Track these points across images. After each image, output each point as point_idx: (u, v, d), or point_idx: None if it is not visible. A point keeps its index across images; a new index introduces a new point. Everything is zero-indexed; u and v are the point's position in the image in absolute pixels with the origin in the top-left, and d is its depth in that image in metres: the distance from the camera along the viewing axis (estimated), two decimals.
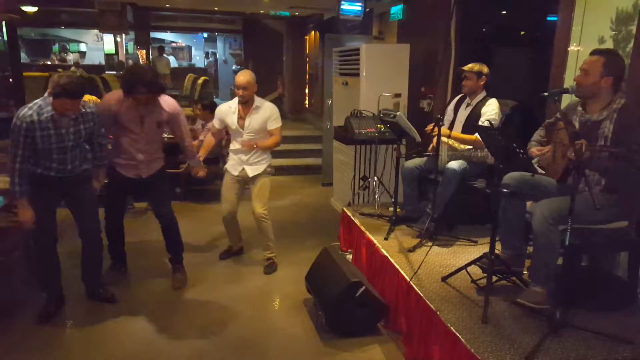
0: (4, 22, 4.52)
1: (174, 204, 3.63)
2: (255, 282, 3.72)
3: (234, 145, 3.76)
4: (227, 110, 3.72)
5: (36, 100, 2.76)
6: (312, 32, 9.95)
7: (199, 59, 17.61)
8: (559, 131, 2.40)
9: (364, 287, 2.86)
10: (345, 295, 2.85)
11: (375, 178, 4.29)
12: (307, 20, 10.04)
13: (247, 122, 3.66)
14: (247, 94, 3.59)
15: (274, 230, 3.94)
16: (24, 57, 11.64)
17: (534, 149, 2.59)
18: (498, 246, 2.74)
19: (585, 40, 3.09)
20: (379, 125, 4.18)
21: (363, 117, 4.39)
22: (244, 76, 3.60)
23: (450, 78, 4.87)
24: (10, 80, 5.10)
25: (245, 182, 3.85)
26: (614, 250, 2.67)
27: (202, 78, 9.56)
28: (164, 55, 12.70)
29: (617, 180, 2.33)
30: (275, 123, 3.73)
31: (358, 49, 4.92)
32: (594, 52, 2.38)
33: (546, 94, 2.40)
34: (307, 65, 10.53)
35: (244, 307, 3.31)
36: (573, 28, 3.20)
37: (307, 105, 10.63)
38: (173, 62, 14.08)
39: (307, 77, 10.58)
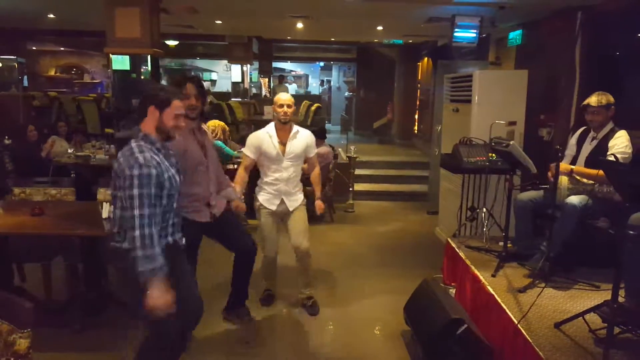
0: (149, 56, 5.22)
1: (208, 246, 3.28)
2: (350, 308, 3.71)
3: (271, 175, 3.41)
4: (264, 136, 3.39)
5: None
6: (425, 59, 9.91)
7: (315, 86, 18.44)
8: None
9: (465, 325, 2.74)
10: (445, 332, 2.74)
11: (485, 209, 4.10)
12: (420, 47, 10.03)
13: (288, 148, 3.38)
14: (291, 112, 3.34)
15: (375, 255, 3.88)
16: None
17: None
18: (622, 294, 2.45)
19: None
20: (490, 154, 4.01)
21: (473, 145, 4.25)
22: (286, 94, 3.44)
23: (573, 106, 4.52)
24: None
25: (280, 217, 3.53)
26: None
27: (315, 105, 10.02)
28: (284, 83, 13.56)
29: None
30: (314, 150, 3.55)
31: (471, 75, 4.81)
32: None
33: None
34: (418, 91, 10.47)
35: (341, 331, 3.35)
36: None
37: (415, 131, 10.54)
38: (292, 90, 14.96)
39: (418, 103, 10.51)
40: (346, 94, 15.17)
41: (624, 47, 4.51)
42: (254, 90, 12.18)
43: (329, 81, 17.51)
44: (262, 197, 3.46)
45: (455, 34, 5.18)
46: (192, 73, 17.15)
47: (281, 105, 3.34)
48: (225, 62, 13.72)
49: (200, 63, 15.77)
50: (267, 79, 12.03)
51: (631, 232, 2.26)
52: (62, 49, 12.79)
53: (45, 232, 3.13)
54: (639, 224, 2.34)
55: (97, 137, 7.09)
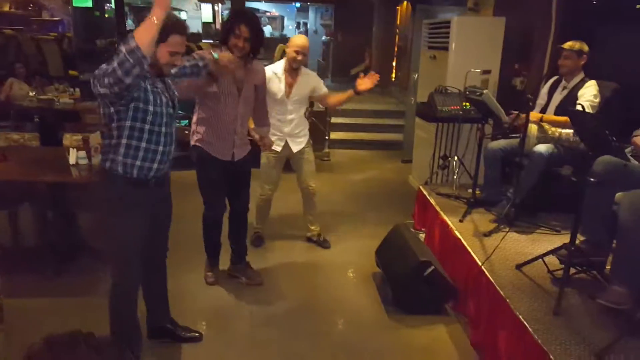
0: None
1: None
2: (324, 253, 3.83)
3: (275, 117, 3.43)
4: (272, 76, 3.35)
5: None
6: (404, 3, 9.64)
7: (291, 29, 17.85)
8: None
9: (432, 267, 2.87)
10: (413, 274, 2.87)
11: (456, 158, 4.17)
12: None
13: (294, 91, 3.43)
14: (305, 60, 3.38)
15: (349, 202, 3.98)
16: (130, 24, 12.57)
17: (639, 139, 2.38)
18: (580, 237, 2.59)
19: None
20: (464, 103, 4.03)
21: (448, 94, 4.25)
22: (304, 39, 3.42)
23: (547, 55, 4.52)
24: (117, 45, 5.57)
25: (286, 158, 3.66)
26: None
27: None
28: None
29: None
30: (323, 86, 3.58)
31: (449, 22, 4.72)
32: None
33: None
34: (397, 37, 10.27)
35: (313, 275, 3.46)
36: None
37: (393, 79, 10.43)
38: (267, 32, 14.45)
39: (396, 49, 10.33)
40: (323, 38, 14.75)
41: None
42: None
43: (305, 24, 16.96)
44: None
45: None
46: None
47: (297, 52, 3.34)
48: (195, 0, 13.07)
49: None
50: None
51: (592, 179, 2.34)
52: None
53: (9, 179, 3.03)
54: (601, 169, 2.42)
55: (60, 79, 6.77)
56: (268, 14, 17.42)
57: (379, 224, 4.16)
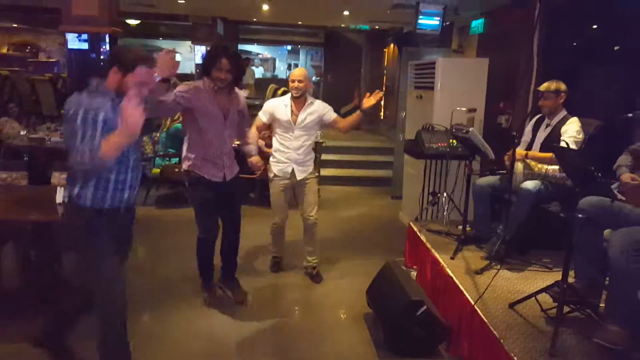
0: (107, 35, 5.01)
1: (247, 208, 3.74)
2: (315, 291, 3.77)
3: (283, 143, 3.65)
4: (279, 104, 3.67)
5: None
6: (391, 45, 9.95)
7: (282, 70, 18.23)
8: None
9: (425, 307, 2.81)
10: (404, 314, 2.81)
11: (445, 194, 4.19)
12: (386, 34, 10.06)
13: (300, 118, 3.61)
14: (303, 87, 3.56)
15: (340, 239, 3.98)
16: None
17: (627, 176, 2.40)
18: (572, 275, 2.57)
19: None
20: (451, 140, 4.09)
21: (435, 131, 4.32)
22: (300, 70, 3.69)
23: (530, 94, 4.65)
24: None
25: (292, 187, 3.75)
26: None
27: (282, 89, 9.90)
28: (251, 67, 13.32)
29: None
30: (332, 113, 3.73)
31: (434, 63, 4.86)
32: None
33: (630, 114, 2.24)
34: (384, 77, 10.52)
35: (303, 314, 3.39)
36: None
37: (381, 117, 10.61)
38: (258, 74, 14.74)
39: (384, 89, 10.57)
40: (313, 78, 15.07)
41: (579, 38, 4.66)
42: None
43: (296, 65, 17.35)
44: (276, 168, 3.68)
45: (420, 21, 5.22)
46: (154, 53, 16.64)
47: (292, 80, 3.58)
48: (189, 43, 13.32)
49: (163, 44, 15.29)
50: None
51: (580, 215, 2.36)
52: (15, 25, 12.09)
53: None
54: (588, 207, 2.43)
55: (53, 119, 6.79)
56: (260, 56, 17.83)
57: (370, 262, 4.11)
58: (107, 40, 5.07)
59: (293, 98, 3.62)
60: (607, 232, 2.48)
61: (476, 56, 5.87)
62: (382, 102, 10.54)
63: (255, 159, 3.49)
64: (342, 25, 9.97)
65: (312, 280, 3.88)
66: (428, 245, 3.52)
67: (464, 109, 4.44)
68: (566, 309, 2.41)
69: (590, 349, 2.21)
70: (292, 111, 3.62)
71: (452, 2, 5.02)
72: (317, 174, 3.89)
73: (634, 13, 3.47)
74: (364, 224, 5.55)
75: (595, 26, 4.55)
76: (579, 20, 4.53)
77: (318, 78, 14.17)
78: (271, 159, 3.75)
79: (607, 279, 2.46)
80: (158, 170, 5.52)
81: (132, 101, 1.93)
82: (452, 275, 3.01)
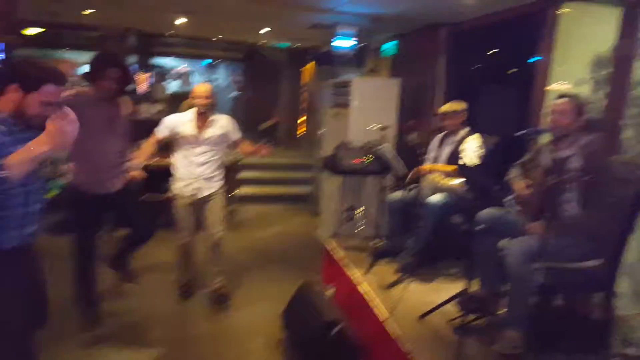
0: (2, 44, 4.59)
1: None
2: (228, 317, 3.60)
3: (186, 160, 3.51)
4: (181, 119, 3.51)
5: None
6: (310, 63, 10.12)
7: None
8: (533, 170, 2.42)
9: (339, 327, 2.78)
10: (319, 335, 2.75)
11: (361, 210, 4.28)
12: (306, 52, 10.22)
13: (206, 132, 3.48)
14: (209, 103, 3.47)
15: (256, 261, 3.87)
16: None
17: (520, 184, 2.60)
18: (476, 284, 2.72)
19: (563, 79, 3.16)
20: (365, 157, 4.21)
21: (351, 148, 4.42)
22: (206, 86, 3.55)
23: (437, 113, 4.94)
24: None
25: (197, 204, 3.58)
26: (589, 290, 2.64)
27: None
28: (166, 80, 12.89)
29: (587, 217, 2.33)
30: (238, 132, 3.66)
31: (349, 82, 5.01)
32: (563, 96, 2.45)
33: (522, 132, 2.44)
34: (304, 94, 10.67)
35: (213, 346, 3.20)
36: (554, 69, 3.27)
37: (301, 134, 10.72)
38: (174, 88, 14.27)
39: (303, 106, 10.71)
40: (233, 93, 14.90)
41: (480, 62, 5.07)
42: (130, 86, 11.36)
43: (215, 80, 17.05)
44: (178, 185, 3.53)
45: (336, 42, 5.35)
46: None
47: (198, 97, 3.46)
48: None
49: (70, 54, 14.35)
50: (146, 75, 11.30)
51: (478, 227, 2.51)
52: None
53: None
54: (487, 218, 2.60)
55: None
56: (176, 69, 17.30)
57: (288, 283, 4.02)
58: (3, 49, 4.66)
59: (198, 113, 3.51)
60: (504, 241, 2.65)
61: (389, 77, 6.13)
62: (302, 119, 10.68)
63: (136, 174, 3.29)
64: (263, 41, 9.99)
65: (218, 304, 3.67)
66: (343, 261, 3.56)
67: (378, 126, 4.60)
68: (470, 317, 2.53)
69: (492, 355, 2.34)
70: (197, 126, 3.49)
71: (366, 24, 5.21)
72: (224, 190, 3.72)
73: (524, 40, 3.82)
74: (282, 244, 5.49)
75: (492, 51, 4.97)
76: (479, 46, 4.92)
77: (239, 93, 14.03)
78: (172, 178, 3.59)
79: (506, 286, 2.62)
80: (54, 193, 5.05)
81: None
82: (365, 291, 3.06)
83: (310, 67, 10.18)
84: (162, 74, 13.20)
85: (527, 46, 3.60)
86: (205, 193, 3.55)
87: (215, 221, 3.59)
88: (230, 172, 6.34)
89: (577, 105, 2.38)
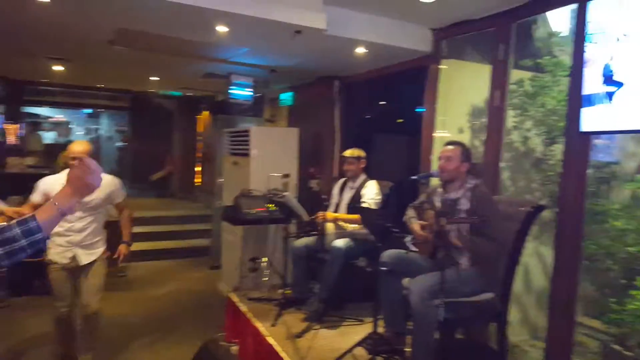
0: None
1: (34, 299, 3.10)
2: None
3: (63, 225, 3.15)
4: (56, 182, 3.10)
5: None
6: (205, 112, 10.01)
7: (80, 134, 16.59)
8: (426, 211, 2.59)
9: None
10: None
11: (265, 259, 4.19)
12: (199, 100, 10.11)
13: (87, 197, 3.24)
14: None
15: (150, 323, 3.52)
16: None
17: (417, 224, 2.74)
18: (382, 324, 2.77)
19: (447, 129, 3.49)
20: (268, 205, 4.17)
21: (252, 197, 4.36)
22: (82, 145, 3.15)
23: (335, 160, 5.13)
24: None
25: (75, 272, 3.22)
26: (484, 321, 2.83)
27: None
28: (39, 131, 11.79)
29: (478, 253, 2.53)
30: (122, 194, 3.37)
31: (247, 131, 5.01)
32: (450, 143, 2.70)
33: (414, 176, 2.62)
34: (199, 143, 10.45)
35: None
36: (437, 119, 3.61)
37: (198, 184, 10.40)
38: (49, 139, 13.10)
39: (199, 155, 10.46)
40: (118, 144, 14.08)
41: (372, 112, 5.43)
42: None
43: (97, 130, 16.01)
44: (53, 251, 3.15)
45: (232, 91, 5.37)
46: None
47: (73, 158, 3.00)
48: None
49: None
50: (15, 126, 10.22)
51: (383, 268, 2.59)
52: None
53: None
54: (389, 260, 2.69)
55: None
56: (52, 119, 15.96)
57: (187, 344, 3.73)
58: None
59: None
60: (405, 280, 2.76)
61: (287, 125, 6.28)
62: (199, 169, 10.39)
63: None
64: (152, 90, 9.67)
65: None
66: (249, 315, 3.42)
67: (279, 174, 4.63)
68: (379, 358, 2.55)
69: None
70: None
71: (262, 75, 5.32)
72: (106, 256, 3.34)
73: (413, 92, 4.18)
74: (179, 302, 5.12)
75: (382, 102, 5.37)
76: (372, 97, 5.29)
77: (125, 143, 13.29)
78: (50, 242, 3.13)
79: (410, 323, 2.70)
80: None
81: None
82: (273, 343, 2.95)
83: (205, 115, 10.06)
84: (37, 124, 12.09)
85: (415, 97, 3.93)
86: (84, 261, 3.19)
87: (92, 291, 3.21)
88: (117, 227, 5.88)
89: (463, 151, 2.63)
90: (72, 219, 3.11)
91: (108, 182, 3.25)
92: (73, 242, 3.14)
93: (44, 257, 3.24)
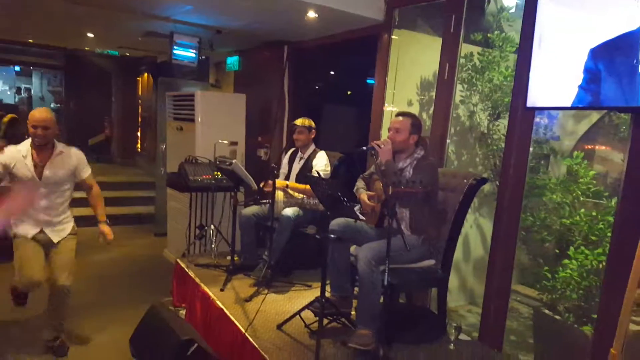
0: None
1: None
2: (70, 354, 3.19)
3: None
4: (16, 155, 2.94)
5: None
6: (145, 74, 9.54)
7: (9, 94, 15.34)
8: (375, 182, 2.67)
9: (196, 345, 2.67)
10: (174, 356, 2.61)
11: (213, 226, 4.16)
12: (139, 61, 9.60)
13: (47, 171, 2.97)
14: (49, 135, 2.93)
15: (94, 289, 3.47)
16: None
17: (364, 195, 2.82)
18: (329, 289, 2.86)
19: (397, 101, 3.56)
20: (215, 173, 4.12)
21: (199, 164, 4.28)
22: (43, 113, 2.97)
23: (284, 129, 5.10)
24: None
25: (42, 244, 3.09)
26: (426, 287, 3.01)
27: (9, 116, 8.28)
28: None
29: (421, 222, 2.66)
30: (88, 169, 3.23)
31: (193, 95, 4.85)
32: (400, 114, 2.76)
33: (364, 148, 2.68)
34: (140, 107, 9.99)
35: None
36: (388, 91, 3.66)
37: (139, 150, 10.00)
38: None
39: (140, 119, 10.02)
40: (52, 105, 13.16)
41: (322, 81, 5.40)
42: None
43: (28, 90, 14.87)
44: (20, 227, 3.01)
45: (175, 52, 5.11)
46: None
47: (35, 126, 2.88)
48: None
49: None
50: None
51: (331, 235, 2.66)
52: None
53: None
54: (337, 228, 2.76)
55: None
56: None
57: (133, 308, 3.68)
58: None
59: (35, 147, 2.96)
60: (352, 248, 2.85)
61: (233, 92, 6.13)
62: (139, 134, 9.97)
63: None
64: (87, 48, 9.04)
65: (55, 355, 3.15)
66: (197, 280, 3.41)
67: (226, 141, 4.55)
68: (326, 321, 2.66)
69: (348, 353, 2.48)
70: (34, 163, 2.94)
71: (206, 36, 5.10)
72: (75, 233, 3.24)
73: (364, 62, 4.19)
74: (124, 267, 5.03)
75: (333, 72, 5.35)
76: (320, 67, 5.25)
77: (58, 105, 12.46)
78: (16, 221, 3.02)
79: (356, 289, 2.81)
80: None
81: None
82: (222, 306, 2.99)
83: (145, 78, 9.59)
84: None
85: (366, 68, 3.96)
86: (55, 239, 3.08)
87: (60, 266, 3.07)
88: None
89: (413, 122, 2.70)
90: (37, 196, 2.95)
91: (73, 157, 3.10)
92: (40, 220, 3.02)
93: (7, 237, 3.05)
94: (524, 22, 2.56)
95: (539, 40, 2.10)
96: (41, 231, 3.04)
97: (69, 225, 3.18)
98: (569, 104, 2.00)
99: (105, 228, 3.25)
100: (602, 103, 1.91)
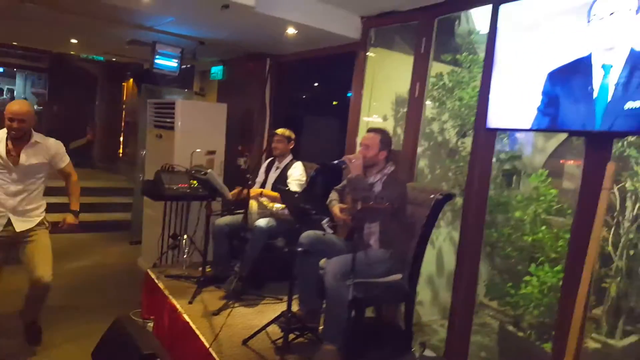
0: None
1: None
2: None
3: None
4: None
5: None
6: (131, 80, 9.50)
7: None
8: (347, 195, 2.67)
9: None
10: None
11: (186, 236, 4.12)
12: (125, 67, 9.55)
13: (23, 158, 2.99)
14: (25, 127, 2.95)
15: (64, 296, 3.41)
16: None
17: (337, 207, 2.82)
18: (298, 303, 2.84)
19: (373, 115, 3.59)
20: (191, 181, 4.08)
21: (175, 172, 4.24)
22: (21, 105, 2.99)
23: (264, 139, 5.10)
24: None
25: (11, 243, 3.07)
26: (393, 301, 3.00)
27: None
28: None
29: (389, 236, 2.66)
30: (66, 159, 3.23)
31: (173, 103, 4.84)
32: (370, 130, 2.78)
33: (337, 161, 2.69)
34: (124, 112, 9.92)
35: None
36: (365, 104, 3.69)
37: (121, 155, 9.91)
38: None
39: (123, 125, 9.94)
40: (35, 107, 13.01)
41: (302, 93, 5.43)
42: None
43: (11, 90, 14.71)
44: None
45: (156, 61, 5.10)
46: None
47: (10, 119, 2.90)
48: None
49: None
50: None
51: (299, 248, 2.65)
52: None
53: None
54: (306, 240, 2.75)
55: None
56: None
57: (101, 320, 3.60)
58: None
59: (10, 137, 2.98)
60: (322, 261, 2.84)
61: (217, 100, 6.12)
62: (122, 139, 9.89)
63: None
64: (72, 52, 8.98)
65: (29, 342, 3.22)
66: (166, 291, 3.36)
67: (201, 150, 4.52)
68: (292, 336, 2.63)
69: None
70: (9, 148, 2.97)
71: (190, 46, 5.11)
72: (47, 225, 3.20)
73: (343, 76, 4.22)
74: (96, 276, 4.94)
75: (314, 84, 5.38)
76: (302, 78, 5.27)
77: (40, 107, 12.31)
78: None
79: (324, 303, 2.80)
80: None
81: None
82: (188, 320, 2.94)
83: (130, 83, 9.54)
84: None
85: (345, 82, 3.99)
86: (20, 228, 3.03)
87: (41, 262, 3.04)
88: None
89: (382, 139, 2.72)
90: (6, 180, 2.96)
91: (50, 145, 3.11)
92: (7, 206, 2.98)
93: None
94: (487, 46, 2.62)
95: (500, 63, 2.13)
96: (8, 223, 2.99)
97: (38, 218, 3.14)
98: (528, 126, 2.03)
99: (69, 217, 3.22)
100: (559, 126, 1.95)
